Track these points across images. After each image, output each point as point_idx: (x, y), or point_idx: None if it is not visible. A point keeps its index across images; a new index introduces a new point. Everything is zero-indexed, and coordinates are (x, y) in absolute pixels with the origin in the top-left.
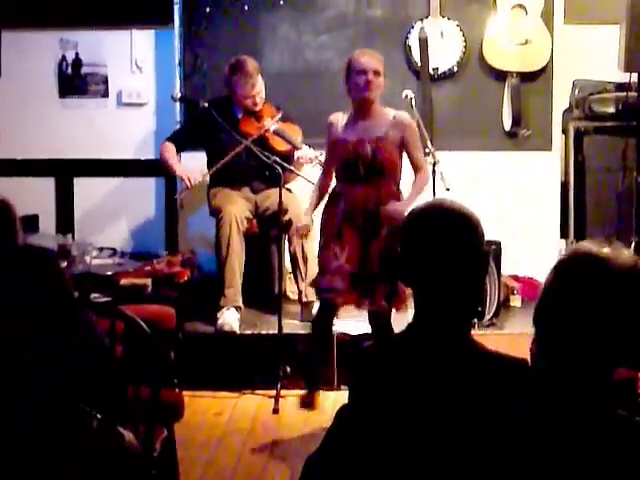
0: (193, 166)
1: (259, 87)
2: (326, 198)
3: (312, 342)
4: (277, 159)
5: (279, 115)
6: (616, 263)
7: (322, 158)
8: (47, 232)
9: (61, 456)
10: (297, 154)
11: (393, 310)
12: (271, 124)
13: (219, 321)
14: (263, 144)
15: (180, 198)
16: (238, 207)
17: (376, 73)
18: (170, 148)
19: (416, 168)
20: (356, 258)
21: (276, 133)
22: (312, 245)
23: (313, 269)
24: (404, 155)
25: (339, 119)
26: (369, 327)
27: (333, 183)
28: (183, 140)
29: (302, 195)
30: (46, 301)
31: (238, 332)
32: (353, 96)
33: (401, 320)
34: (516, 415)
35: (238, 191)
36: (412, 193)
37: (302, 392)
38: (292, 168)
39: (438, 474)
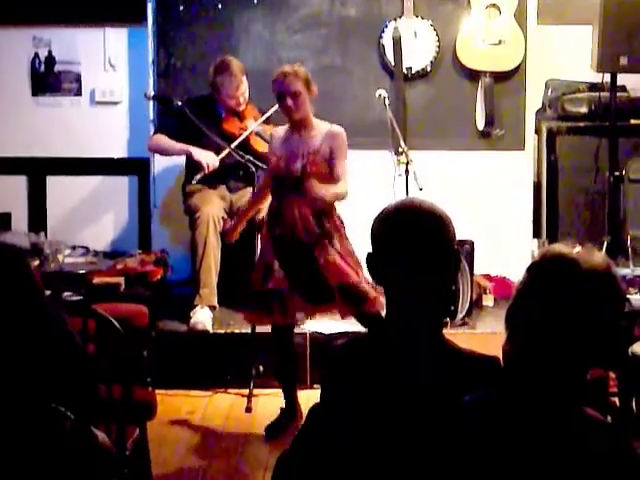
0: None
1: (244, 87)
2: (265, 213)
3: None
4: (251, 158)
5: (262, 118)
6: (587, 265)
7: None
8: (19, 230)
9: (32, 456)
10: None
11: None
12: (254, 126)
13: (192, 320)
14: (244, 144)
15: (195, 181)
16: (214, 207)
17: (294, 95)
18: (165, 137)
19: (333, 179)
20: (301, 269)
21: (258, 135)
22: None
23: None
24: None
25: (279, 132)
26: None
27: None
28: (169, 136)
29: None
30: (14, 299)
31: (211, 331)
32: (286, 117)
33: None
34: (485, 411)
35: (214, 189)
36: (326, 190)
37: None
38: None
39: (407, 471)
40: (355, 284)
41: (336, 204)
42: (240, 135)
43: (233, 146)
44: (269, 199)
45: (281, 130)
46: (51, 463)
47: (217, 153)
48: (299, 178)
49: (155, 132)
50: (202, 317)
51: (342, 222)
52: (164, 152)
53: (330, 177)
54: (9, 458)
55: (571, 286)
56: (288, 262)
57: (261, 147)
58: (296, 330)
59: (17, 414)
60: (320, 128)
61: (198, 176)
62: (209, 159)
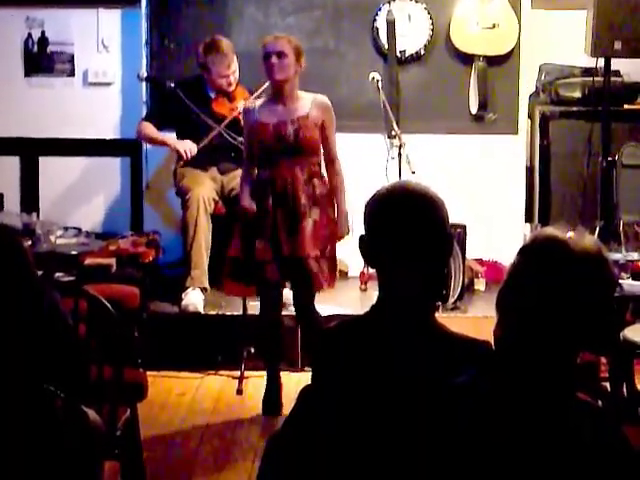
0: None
1: (234, 66)
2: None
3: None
4: (242, 140)
5: (252, 97)
6: (579, 248)
7: None
8: (12, 211)
9: (23, 435)
10: None
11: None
12: (244, 105)
13: (183, 301)
14: (234, 125)
15: (179, 167)
16: (205, 188)
17: (280, 55)
18: (150, 126)
19: (329, 158)
20: (286, 241)
21: None
22: None
23: None
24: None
25: (256, 104)
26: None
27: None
28: (156, 120)
29: None
30: (7, 279)
31: (202, 312)
32: (268, 79)
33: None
34: (475, 394)
35: (205, 171)
36: (341, 200)
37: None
38: None
39: (399, 455)
40: (307, 258)
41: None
42: (232, 117)
43: (222, 126)
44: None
45: (258, 102)
46: (42, 441)
47: (208, 134)
48: (292, 144)
49: (143, 118)
50: (194, 299)
51: (329, 190)
52: (147, 141)
53: (319, 143)
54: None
55: (562, 268)
56: (288, 211)
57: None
58: (287, 312)
59: (8, 393)
60: (304, 97)
61: (181, 162)
62: (187, 146)
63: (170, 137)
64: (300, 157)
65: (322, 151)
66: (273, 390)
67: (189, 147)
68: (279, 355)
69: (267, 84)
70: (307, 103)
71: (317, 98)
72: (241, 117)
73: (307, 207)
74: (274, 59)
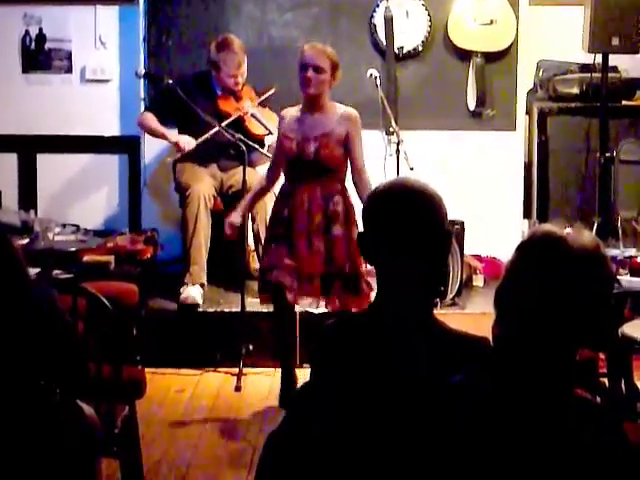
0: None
1: (243, 67)
2: (275, 196)
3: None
4: (242, 137)
5: (260, 99)
6: (577, 244)
7: None
8: (10, 208)
9: (20, 431)
10: (269, 140)
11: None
12: (250, 107)
13: (182, 295)
14: (238, 124)
15: (174, 160)
16: (205, 185)
17: (317, 69)
18: (152, 117)
19: (356, 169)
20: (303, 258)
21: (253, 116)
22: None
23: None
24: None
25: (291, 113)
26: None
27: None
28: (159, 113)
29: None
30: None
31: (201, 305)
32: (301, 90)
33: None
34: (474, 391)
35: (205, 168)
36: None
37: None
38: (262, 150)
39: (398, 453)
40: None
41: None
42: (237, 116)
43: (223, 125)
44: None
45: (293, 111)
46: (39, 437)
47: (207, 131)
48: (312, 162)
49: (146, 108)
50: (193, 292)
51: (352, 210)
52: (147, 132)
53: (342, 160)
54: None
55: (560, 265)
56: (305, 230)
57: (256, 129)
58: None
59: (5, 390)
60: (334, 110)
61: (178, 155)
62: (185, 140)
63: (169, 132)
64: (320, 174)
65: (348, 164)
66: (290, 385)
67: (187, 141)
68: (292, 351)
69: (272, 90)
70: (334, 117)
71: (345, 112)
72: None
73: (322, 225)
74: (310, 73)
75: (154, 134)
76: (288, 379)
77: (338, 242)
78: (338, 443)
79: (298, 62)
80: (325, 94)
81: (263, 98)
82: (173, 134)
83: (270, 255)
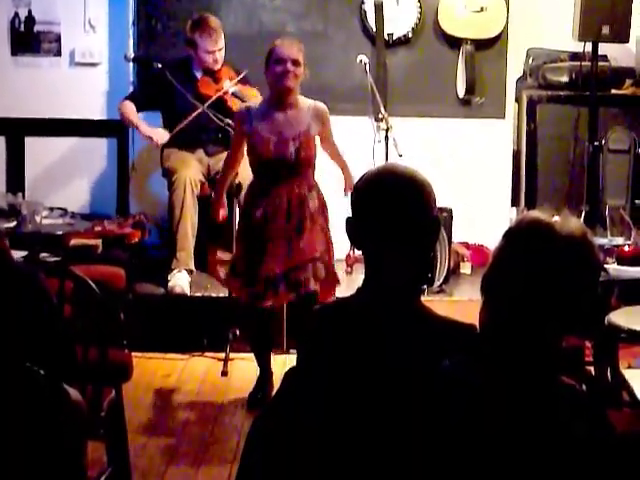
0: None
1: (221, 44)
2: (243, 197)
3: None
4: (230, 122)
5: (238, 77)
6: (564, 231)
7: None
8: None
9: (5, 414)
10: None
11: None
12: (230, 86)
13: (170, 283)
14: (221, 106)
15: (162, 145)
16: (192, 170)
17: (295, 62)
18: (130, 107)
19: (333, 152)
20: (283, 258)
21: (234, 95)
22: None
23: None
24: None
25: (250, 108)
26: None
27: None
28: (141, 100)
29: None
30: None
31: (189, 294)
32: (272, 86)
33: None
34: (461, 377)
35: (192, 153)
36: (346, 167)
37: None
38: None
39: (385, 436)
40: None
41: (317, 177)
42: (217, 97)
43: (205, 106)
44: (240, 161)
45: (255, 106)
46: (24, 419)
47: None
48: (292, 162)
49: (126, 97)
50: (180, 281)
51: (324, 203)
52: (123, 121)
53: (315, 153)
54: None
55: (547, 251)
56: (282, 230)
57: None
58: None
59: None
60: (303, 105)
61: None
62: (158, 135)
63: (143, 123)
64: (298, 173)
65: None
66: (264, 383)
67: (160, 135)
68: (269, 343)
69: (246, 71)
70: (306, 113)
71: (315, 106)
72: (235, 120)
73: (297, 225)
74: (290, 66)
75: (128, 123)
76: (263, 377)
77: (309, 235)
78: (326, 430)
79: (270, 57)
80: (297, 89)
81: (242, 75)
82: (146, 127)
83: (245, 262)
